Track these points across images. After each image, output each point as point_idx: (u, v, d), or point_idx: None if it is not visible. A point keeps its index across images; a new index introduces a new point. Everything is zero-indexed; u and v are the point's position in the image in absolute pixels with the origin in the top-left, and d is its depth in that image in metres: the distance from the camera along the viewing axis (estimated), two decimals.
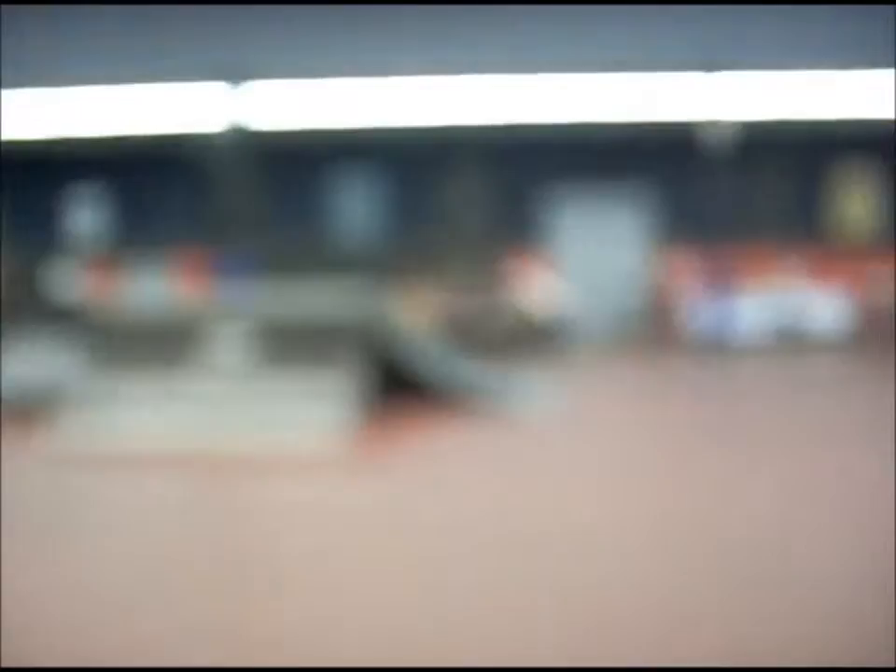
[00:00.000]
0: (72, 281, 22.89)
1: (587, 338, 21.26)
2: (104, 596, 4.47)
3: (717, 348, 18.38)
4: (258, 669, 3.12)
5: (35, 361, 10.12)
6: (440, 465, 7.69)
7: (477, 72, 19.71)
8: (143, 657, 3.69)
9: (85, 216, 26.19)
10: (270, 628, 3.96)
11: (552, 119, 22.25)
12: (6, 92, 20.62)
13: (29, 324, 15.11)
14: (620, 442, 8.36)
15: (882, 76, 19.40)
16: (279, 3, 18.71)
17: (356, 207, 25.16)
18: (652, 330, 22.20)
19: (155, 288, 24.12)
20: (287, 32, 18.87)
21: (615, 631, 3.80)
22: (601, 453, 7.94)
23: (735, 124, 19.03)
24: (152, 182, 25.20)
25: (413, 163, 24.48)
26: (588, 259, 23.67)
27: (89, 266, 24.83)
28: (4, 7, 18.81)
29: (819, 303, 20.35)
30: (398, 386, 9.37)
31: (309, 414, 8.44)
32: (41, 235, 25.80)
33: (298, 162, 24.70)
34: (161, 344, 9.27)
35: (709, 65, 18.36)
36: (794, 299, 20.50)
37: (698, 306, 20.39)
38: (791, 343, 19.28)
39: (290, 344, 9.03)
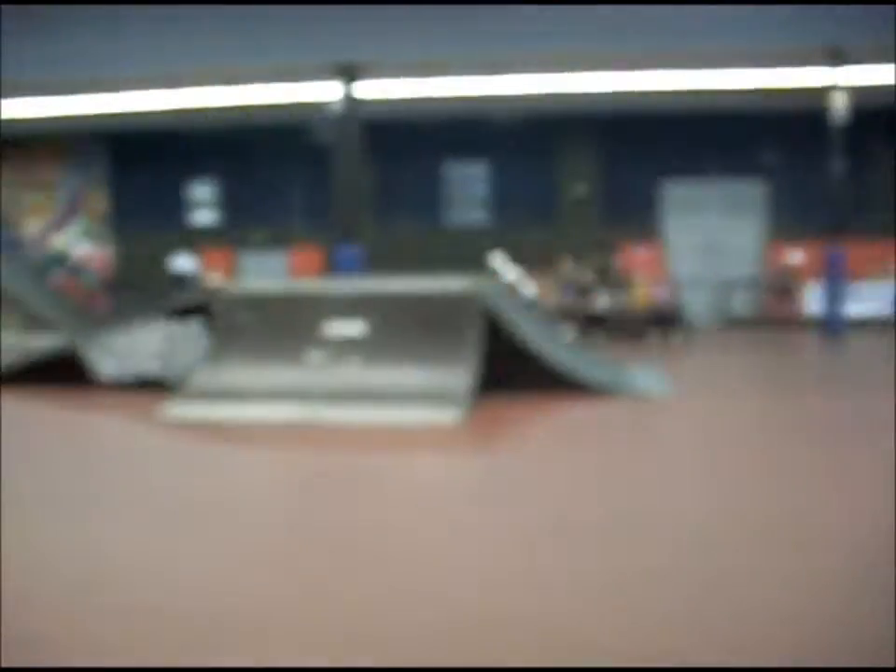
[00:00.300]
0: (196, 262, 23.50)
1: (704, 322, 21.20)
2: (214, 553, 4.79)
3: (833, 334, 18.16)
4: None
5: (163, 337, 10.54)
6: (556, 441, 7.86)
7: (592, 68, 19.67)
8: (258, 613, 3.99)
9: (207, 200, 26.88)
10: (375, 590, 4.22)
11: (670, 109, 22.14)
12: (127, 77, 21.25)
13: (156, 302, 15.66)
14: (740, 427, 8.40)
15: None
16: None
17: (473, 196, 25.39)
18: (770, 315, 22.08)
19: (272, 270, 24.68)
20: (405, 25, 19.09)
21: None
22: (716, 434, 8.01)
23: (853, 111, 18.74)
24: (271, 168, 25.75)
25: (528, 151, 24.59)
26: (705, 244, 23.61)
27: (211, 248, 25.47)
28: None
29: None
30: (516, 365, 9.51)
31: (429, 390, 8.67)
32: (163, 218, 26.56)
33: (414, 151, 24.99)
34: (283, 321, 9.61)
35: (835, 56, 18.09)
36: None
37: (816, 291, 20.21)
38: None
39: (410, 322, 9.29)
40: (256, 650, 3.44)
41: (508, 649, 3.40)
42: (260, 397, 8.88)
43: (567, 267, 19.91)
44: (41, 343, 12.49)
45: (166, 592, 4.07)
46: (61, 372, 10.57)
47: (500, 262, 16.49)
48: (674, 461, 6.86)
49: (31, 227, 28.72)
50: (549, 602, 3.87)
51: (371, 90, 20.88)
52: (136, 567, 4.41)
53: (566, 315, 18.36)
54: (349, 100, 20.40)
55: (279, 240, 25.48)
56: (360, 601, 3.93)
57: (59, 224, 28.52)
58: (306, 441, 7.82)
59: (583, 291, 18.95)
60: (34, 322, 16.84)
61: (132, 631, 3.63)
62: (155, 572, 4.35)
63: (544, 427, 8.70)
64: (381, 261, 20.47)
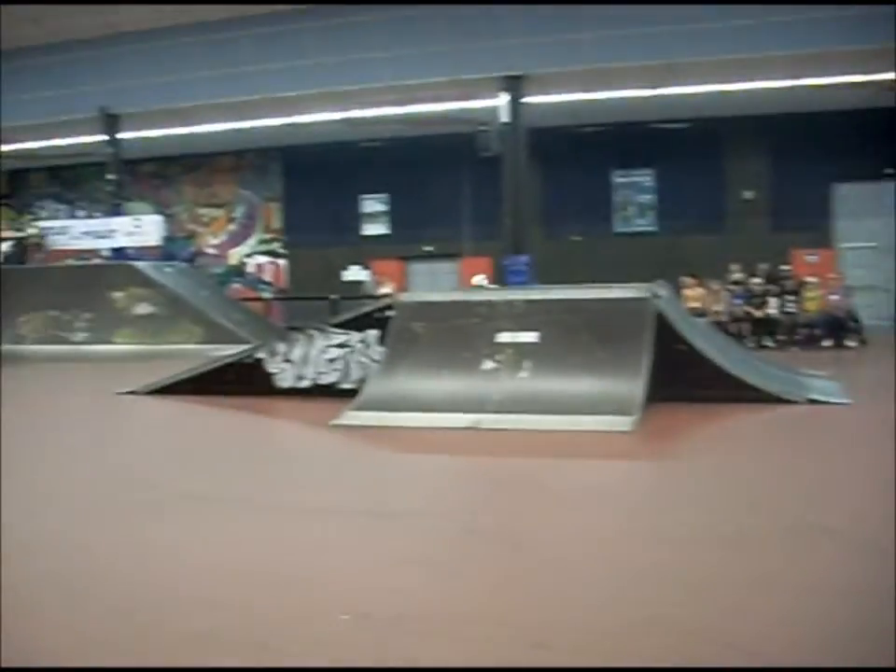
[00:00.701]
0: (367, 273, 24.00)
1: (880, 327, 20.56)
2: (382, 549, 4.94)
3: None
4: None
5: (339, 346, 10.84)
6: (731, 448, 7.79)
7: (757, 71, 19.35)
8: (445, 612, 4.09)
9: (377, 212, 27.38)
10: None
11: (840, 108, 21.64)
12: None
13: (330, 312, 16.06)
14: None
15: None
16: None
17: (640, 203, 25.25)
18: None
19: (442, 281, 24.98)
20: (570, 35, 19.18)
21: None
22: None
23: None
24: (440, 179, 26.06)
25: (695, 157, 24.33)
26: (879, 248, 22.96)
27: (381, 259, 25.94)
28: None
29: None
30: (686, 372, 9.45)
31: (601, 397, 8.71)
32: (334, 230, 27.15)
33: (581, 159, 24.98)
34: (456, 330, 9.79)
35: None
36: None
37: None
38: None
39: (582, 329, 9.35)
40: (448, 649, 3.55)
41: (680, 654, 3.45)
42: (433, 404, 9.04)
43: (737, 273, 19.61)
44: (221, 351, 12.98)
45: (359, 592, 4.23)
46: (240, 380, 10.98)
47: (480, 281, 16.63)
48: (853, 469, 6.71)
49: (210, 241, 29.75)
50: (723, 607, 3.89)
51: (537, 100, 20.98)
52: (333, 568, 4.59)
53: (736, 321, 18.13)
54: (516, 111, 20.55)
55: (448, 250, 25.77)
56: (538, 603, 4.02)
57: (236, 238, 29.46)
58: (479, 448, 7.93)
59: (754, 297, 18.64)
60: (214, 331, 17.46)
61: (332, 632, 3.79)
62: (344, 572, 4.51)
63: (718, 434, 8.64)
64: (549, 270, 20.55)
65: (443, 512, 5.70)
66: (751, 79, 20.10)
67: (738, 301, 18.68)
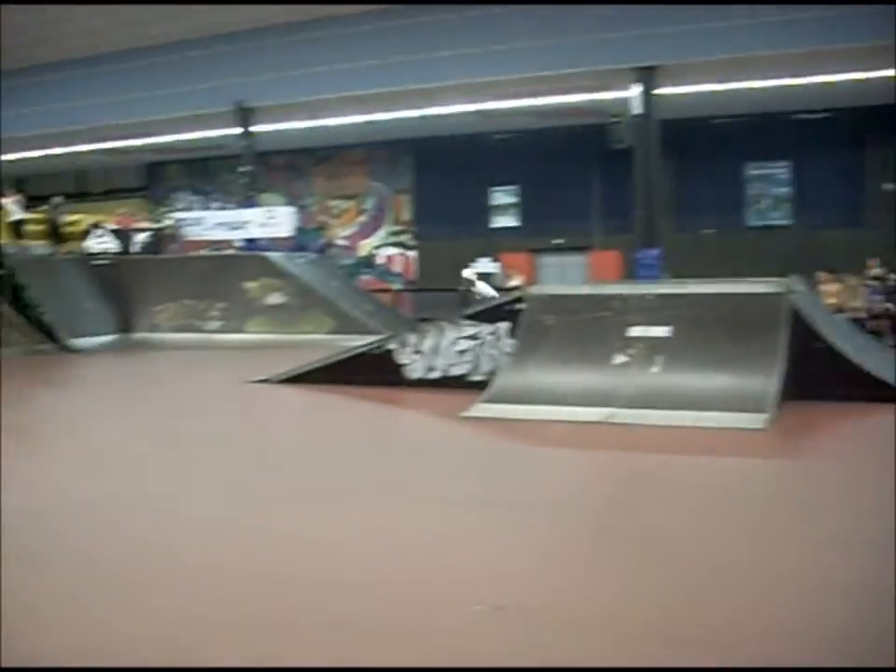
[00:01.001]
0: (497, 265, 24.02)
1: None
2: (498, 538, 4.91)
3: None
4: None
5: (470, 338, 10.84)
6: (866, 450, 7.53)
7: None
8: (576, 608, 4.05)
9: (506, 204, 27.39)
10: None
11: None
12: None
13: (459, 304, 16.10)
14: None
15: None
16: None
17: (774, 196, 24.76)
18: None
19: (571, 274, 24.86)
20: (704, 24, 18.87)
21: None
22: None
23: None
24: (570, 171, 25.94)
25: (833, 149, 23.75)
26: None
27: (510, 252, 25.93)
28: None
29: None
30: (822, 369, 9.23)
31: (735, 393, 8.55)
32: (463, 222, 27.23)
33: (713, 151, 24.59)
34: (588, 323, 9.71)
35: None
36: None
37: None
38: None
39: (716, 324, 9.19)
40: (582, 644, 3.51)
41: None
42: (564, 398, 8.99)
43: (876, 269, 19.08)
44: (352, 341, 13.10)
45: (493, 584, 4.22)
46: (370, 370, 11.07)
47: (470, 274, 16.43)
48: None
49: (340, 232, 30.12)
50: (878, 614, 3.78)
51: (670, 91, 20.72)
52: (467, 559, 4.59)
53: (874, 318, 17.64)
54: (649, 102, 20.31)
55: (577, 243, 25.64)
56: (675, 601, 3.96)
57: (366, 229, 29.77)
58: (611, 442, 7.85)
59: (894, 293, 18.12)
60: (344, 322, 17.64)
61: (463, 623, 3.79)
62: (479, 563, 4.51)
63: (856, 433, 8.40)
64: (680, 264, 20.27)
65: (577, 506, 5.65)
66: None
67: (877, 297, 18.17)
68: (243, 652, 3.44)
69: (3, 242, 20.46)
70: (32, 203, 21.97)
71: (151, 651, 3.45)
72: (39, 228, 21.25)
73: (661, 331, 9.36)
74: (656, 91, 20.39)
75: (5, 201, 20.91)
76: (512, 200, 27.21)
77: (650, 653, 3.40)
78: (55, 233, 21.40)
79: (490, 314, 10.79)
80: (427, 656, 3.38)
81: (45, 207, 21.87)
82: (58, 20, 22.24)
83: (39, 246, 20.86)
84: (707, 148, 24.47)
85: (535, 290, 11.17)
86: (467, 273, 16.12)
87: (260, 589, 4.12)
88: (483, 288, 16.05)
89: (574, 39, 20.01)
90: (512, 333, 10.33)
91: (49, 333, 17.25)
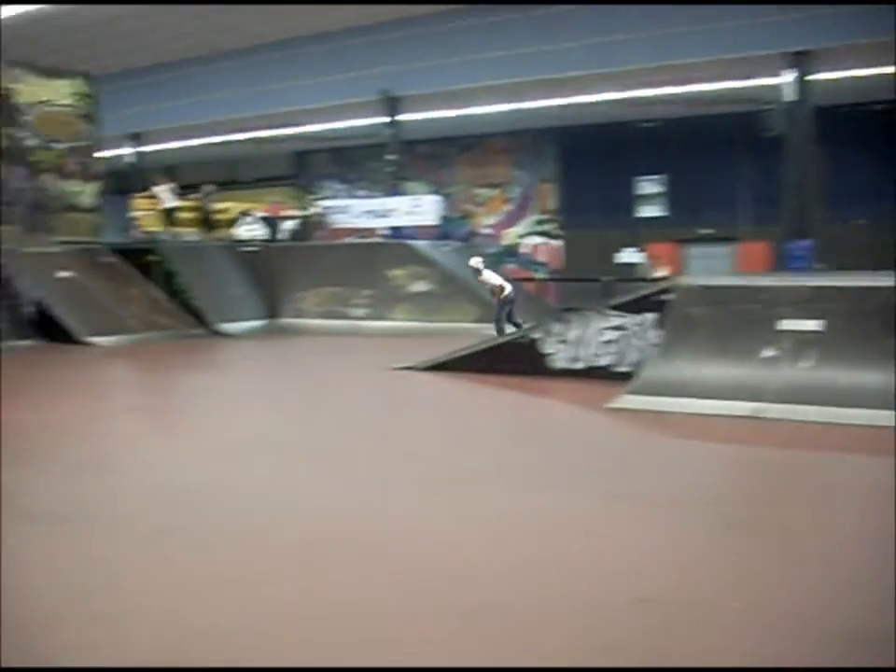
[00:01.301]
0: (643, 255, 23.78)
1: None
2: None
3: None
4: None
5: (616, 329, 10.75)
6: None
7: None
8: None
9: (653, 194, 27.08)
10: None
11: None
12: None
13: (604, 294, 15.98)
14: None
15: None
16: None
17: None
18: None
19: (717, 265, 24.43)
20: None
21: None
22: None
23: None
24: (718, 160, 25.50)
25: None
26: None
27: (656, 242, 25.65)
28: None
29: None
30: None
31: (890, 391, 8.29)
32: (609, 211, 27.02)
33: (866, 139, 23.85)
34: (738, 315, 9.53)
35: None
36: None
37: None
38: None
39: (870, 319, 8.92)
40: (725, 640, 3.48)
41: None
42: (712, 391, 8.85)
43: None
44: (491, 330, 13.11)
45: (636, 577, 4.19)
46: (514, 359, 11.07)
47: (477, 264, 15.89)
48: None
49: (485, 221, 30.19)
50: None
51: (825, 76, 20.15)
52: (609, 551, 4.58)
53: None
54: (803, 88, 19.78)
55: (725, 234, 25.20)
56: (817, 602, 3.88)
57: (511, 218, 29.78)
58: (760, 438, 7.73)
59: None
60: (488, 310, 17.65)
61: (608, 615, 3.78)
62: (622, 556, 4.48)
63: None
64: (830, 256, 19.71)
65: (724, 501, 5.62)
66: None
67: None
68: (421, 638, 3.50)
69: (156, 229, 21.10)
70: (183, 191, 22.56)
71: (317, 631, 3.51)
72: (191, 215, 21.83)
73: (813, 325, 9.12)
74: (810, 77, 19.84)
75: (158, 189, 21.51)
76: (659, 189, 26.88)
77: (798, 654, 3.34)
78: (206, 221, 21.96)
79: (636, 304, 10.68)
80: (571, 647, 3.38)
81: (196, 195, 22.44)
82: (205, 15, 22.72)
83: (190, 233, 21.43)
84: (861, 136, 23.73)
85: (684, 281, 11.00)
86: (473, 261, 15.97)
87: (398, 572, 4.20)
88: (490, 277, 15.87)
89: (722, 24, 19.59)
90: (659, 324, 10.21)
91: (199, 318, 17.74)
